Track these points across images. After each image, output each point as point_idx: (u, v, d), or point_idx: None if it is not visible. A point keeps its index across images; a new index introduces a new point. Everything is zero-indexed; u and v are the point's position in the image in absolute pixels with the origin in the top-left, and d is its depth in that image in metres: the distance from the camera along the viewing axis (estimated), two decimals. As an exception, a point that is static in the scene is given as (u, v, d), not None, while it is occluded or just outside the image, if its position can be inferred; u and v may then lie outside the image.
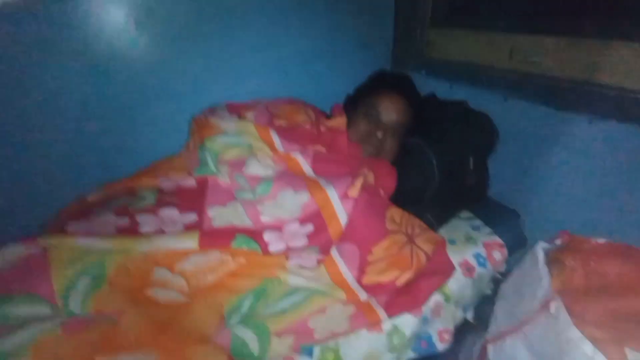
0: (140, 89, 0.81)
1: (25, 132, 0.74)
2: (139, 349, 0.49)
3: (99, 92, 0.77)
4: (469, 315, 0.80)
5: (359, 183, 0.61)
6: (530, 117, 0.80)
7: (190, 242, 0.53)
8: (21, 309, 0.44)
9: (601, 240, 0.60)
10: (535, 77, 0.77)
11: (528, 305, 0.59)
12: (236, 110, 0.75)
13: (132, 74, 0.79)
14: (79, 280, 0.47)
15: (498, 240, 0.78)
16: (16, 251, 0.48)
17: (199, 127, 0.72)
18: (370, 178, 0.68)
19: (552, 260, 0.60)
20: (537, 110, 0.77)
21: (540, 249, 0.63)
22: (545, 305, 0.54)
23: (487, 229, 0.81)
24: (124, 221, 0.56)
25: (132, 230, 0.54)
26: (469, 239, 0.78)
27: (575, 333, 0.47)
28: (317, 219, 0.60)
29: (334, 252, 0.62)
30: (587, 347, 0.45)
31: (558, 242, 0.64)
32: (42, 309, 0.45)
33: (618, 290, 0.48)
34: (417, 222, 0.70)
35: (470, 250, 0.75)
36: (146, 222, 0.56)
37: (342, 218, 0.60)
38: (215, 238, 0.55)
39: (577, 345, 0.47)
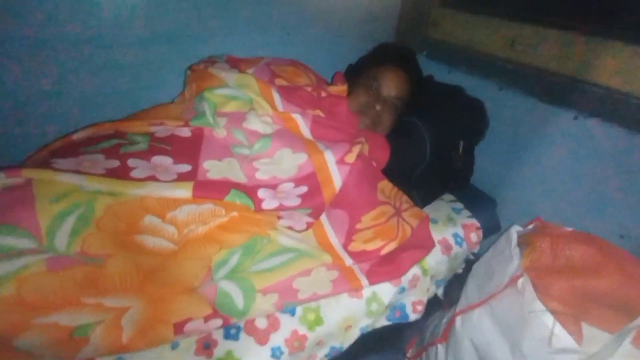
0: (134, 33, 0.74)
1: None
2: (124, 293, 0.49)
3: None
4: (440, 292, 0.86)
5: (356, 150, 0.62)
6: (520, 109, 0.83)
7: (184, 191, 0.52)
8: (4, 240, 0.42)
9: (569, 229, 0.65)
10: (532, 69, 0.79)
11: (497, 281, 0.63)
12: (236, 64, 0.72)
13: (126, 16, 0.72)
14: (66, 218, 0.45)
15: (476, 222, 0.83)
16: (-3, 180, 0.46)
17: (197, 76, 0.68)
18: (365, 149, 0.69)
19: (524, 242, 0.65)
20: (528, 102, 0.81)
21: (514, 232, 0.67)
22: (513, 281, 0.59)
23: (467, 213, 0.85)
24: (114, 164, 0.54)
25: (122, 174, 0.52)
26: (450, 220, 0.82)
27: (538, 305, 0.52)
28: (312, 180, 0.60)
29: (322, 218, 0.63)
30: (548, 319, 0.50)
31: (530, 227, 0.69)
32: (26, 243, 0.43)
33: (581, 271, 0.53)
34: (404, 197, 0.72)
35: (450, 230, 0.79)
36: (138, 167, 0.54)
37: (337, 182, 0.61)
38: (209, 190, 0.54)
39: (538, 316, 0.51)
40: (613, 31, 0.67)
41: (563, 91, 0.74)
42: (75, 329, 0.44)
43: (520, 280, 0.58)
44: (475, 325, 0.65)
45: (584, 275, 0.52)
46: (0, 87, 0.67)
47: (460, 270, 0.88)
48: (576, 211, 0.76)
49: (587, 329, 0.49)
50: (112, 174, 0.52)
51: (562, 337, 0.48)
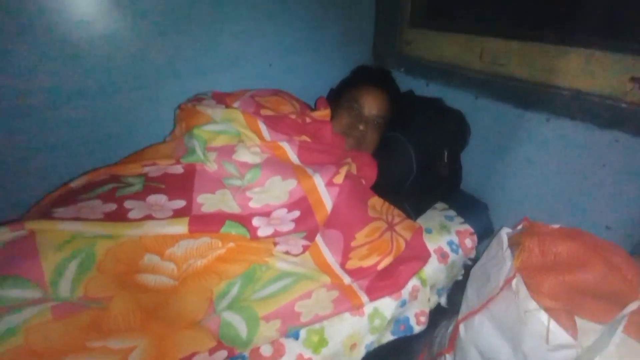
0: (121, 78, 0.78)
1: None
2: (129, 333, 0.49)
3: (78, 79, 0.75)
4: (443, 301, 0.86)
5: (343, 171, 0.64)
6: (497, 115, 0.87)
7: (180, 227, 0.54)
8: (12, 292, 0.43)
9: (555, 226, 0.67)
10: (502, 77, 0.84)
11: (493, 284, 0.65)
12: (222, 99, 0.75)
13: (113, 61, 0.76)
14: (68, 265, 0.47)
15: (469, 228, 0.84)
16: (1, 234, 0.47)
17: (186, 115, 0.72)
18: (353, 168, 0.72)
19: (514, 243, 0.67)
20: (503, 108, 0.84)
21: (504, 234, 0.69)
22: (507, 282, 0.60)
23: (460, 219, 0.87)
24: (111, 207, 0.56)
25: (120, 216, 0.54)
26: (443, 228, 0.84)
27: (532, 304, 0.53)
28: (304, 204, 0.62)
29: (318, 239, 0.65)
30: (543, 317, 0.52)
31: (519, 227, 0.71)
32: (33, 293, 0.44)
33: (568, 266, 0.55)
34: (396, 211, 0.74)
35: (445, 238, 0.81)
36: (134, 208, 0.56)
37: (328, 204, 0.63)
38: (205, 223, 0.56)
39: (534, 315, 0.53)
40: (569, 38, 0.72)
41: (533, 96, 0.78)
42: (83, 373, 0.45)
43: (514, 281, 0.60)
44: (478, 331, 0.66)
45: (571, 270, 0.54)
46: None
47: (460, 277, 0.89)
48: (562, 207, 0.78)
49: (580, 321, 0.51)
50: (110, 217, 0.54)
51: (558, 333, 0.50)
